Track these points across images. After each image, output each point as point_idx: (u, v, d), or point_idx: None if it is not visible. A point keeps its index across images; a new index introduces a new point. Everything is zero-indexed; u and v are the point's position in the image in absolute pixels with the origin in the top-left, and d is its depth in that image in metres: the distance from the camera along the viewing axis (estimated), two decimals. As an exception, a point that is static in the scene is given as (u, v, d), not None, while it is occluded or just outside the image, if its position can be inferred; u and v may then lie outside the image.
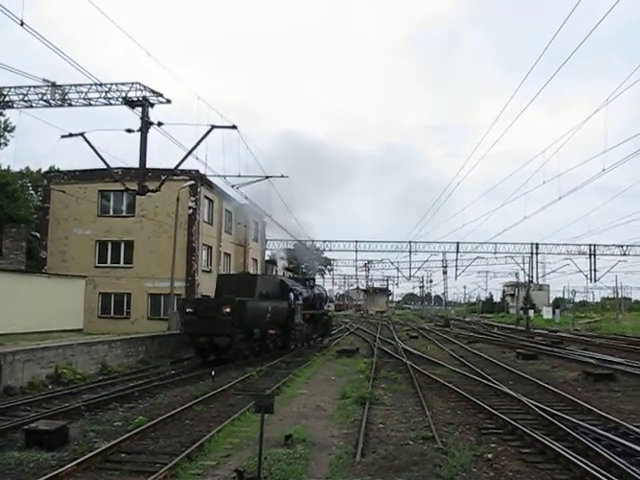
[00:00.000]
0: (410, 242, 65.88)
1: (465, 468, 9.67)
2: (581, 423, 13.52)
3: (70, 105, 24.42)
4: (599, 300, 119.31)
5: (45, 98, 24.46)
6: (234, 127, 22.34)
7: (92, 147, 21.77)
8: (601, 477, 9.43)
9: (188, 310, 26.74)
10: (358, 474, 9.10)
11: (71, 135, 21.68)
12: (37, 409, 15.55)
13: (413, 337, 47.81)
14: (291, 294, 33.95)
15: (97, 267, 38.05)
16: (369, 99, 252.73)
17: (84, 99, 24.13)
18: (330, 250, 68.34)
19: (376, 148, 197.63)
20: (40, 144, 77.20)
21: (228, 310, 25.70)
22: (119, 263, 38.45)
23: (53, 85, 24.26)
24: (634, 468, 9.89)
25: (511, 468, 10.61)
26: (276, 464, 10.06)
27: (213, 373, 22.09)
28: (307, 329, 36.56)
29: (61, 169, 43.89)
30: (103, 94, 23.69)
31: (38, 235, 42.07)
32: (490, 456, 11.38)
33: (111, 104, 23.66)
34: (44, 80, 24.10)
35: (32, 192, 55.30)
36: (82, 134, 21.63)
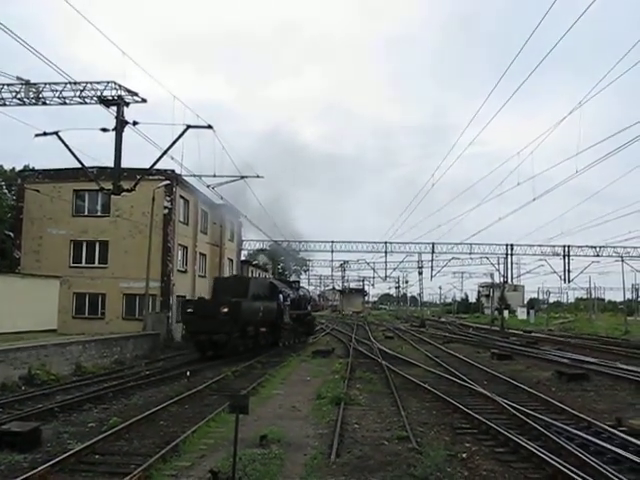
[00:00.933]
0: (386, 243, 66.16)
1: (439, 468, 9.72)
2: (554, 422, 13.66)
3: (44, 103, 24.13)
4: (573, 301, 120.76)
5: (19, 96, 24.12)
6: (209, 127, 22.21)
7: (67, 146, 21.54)
8: (574, 476, 9.55)
9: (189, 310, 29.48)
10: (333, 474, 9.11)
11: (45, 134, 21.41)
12: (9, 410, 15.35)
13: (389, 337, 47.99)
14: (280, 295, 36.22)
15: (72, 267, 37.64)
16: (355, 98, 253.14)
17: (58, 97, 23.85)
18: (306, 250, 68.29)
19: (356, 149, 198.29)
20: (14, 143, 76.37)
21: (226, 310, 28.08)
22: (94, 263, 38.08)
23: (27, 83, 23.95)
24: (606, 466, 10.03)
25: (485, 467, 10.69)
26: (251, 464, 10.04)
27: (188, 374, 22.05)
28: (294, 328, 39.01)
29: (35, 168, 43.42)
30: (78, 93, 23.43)
31: (12, 235, 41.55)
32: (464, 455, 11.46)
33: (86, 103, 23.40)
34: (18, 78, 23.78)
35: (6, 191, 54.58)
36: (56, 133, 21.37)
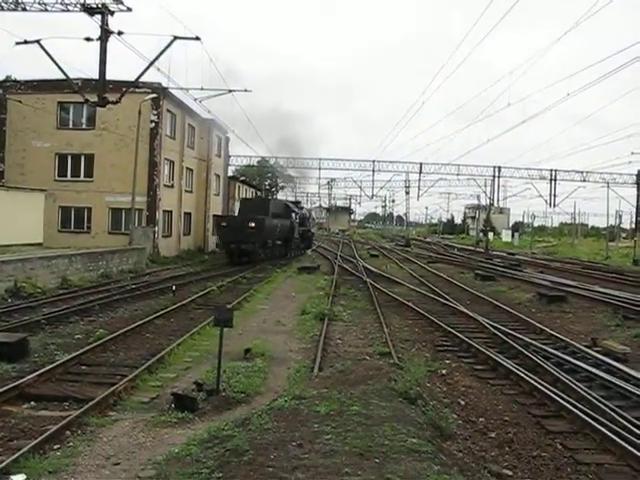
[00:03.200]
0: (374, 161, 65.59)
1: (419, 383, 9.96)
2: (533, 342, 14.00)
3: (24, 10, 23.18)
4: (557, 225, 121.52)
5: (-3, 0, 23.23)
6: (197, 38, 21.65)
7: (49, 55, 20.94)
8: (546, 391, 9.87)
9: (223, 224, 37.00)
10: (315, 387, 9.31)
11: (26, 42, 20.77)
12: (-3, 322, 15.50)
13: (374, 256, 48.38)
14: (293, 214, 44.20)
15: (57, 181, 37.19)
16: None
17: (39, 4, 22.89)
18: (294, 167, 67.70)
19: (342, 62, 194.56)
20: (-8, 51, 73.84)
21: (252, 225, 34.88)
22: (79, 177, 37.63)
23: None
24: (578, 383, 10.37)
25: (464, 383, 11.01)
26: (235, 377, 10.25)
27: (174, 288, 22.23)
28: (299, 242, 47.23)
29: (17, 79, 42.26)
30: (60, -1, 22.60)
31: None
32: (444, 372, 11.78)
33: (69, 10, 22.52)
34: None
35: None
36: (38, 41, 20.75)
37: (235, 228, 35.16)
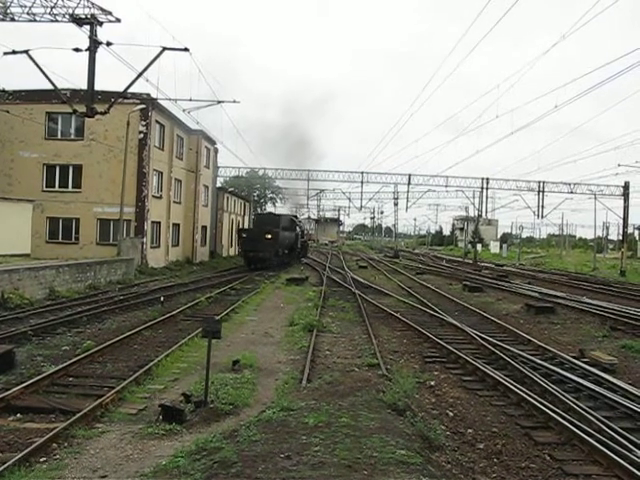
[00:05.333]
0: (362, 172, 65.56)
1: (408, 394, 9.96)
2: (521, 353, 14.05)
3: (13, 20, 23.16)
4: (545, 236, 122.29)
5: (-15, 11, 23.17)
6: (186, 50, 21.65)
7: (37, 66, 20.88)
8: (535, 402, 9.90)
9: (244, 235, 43.99)
10: (303, 398, 9.30)
11: (15, 52, 20.70)
12: (-18, 333, 15.37)
13: (362, 267, 48.50)
14: (297, 227, 51.18)
15: (45, 191, 37.03)
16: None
17: (28, 14, 22.87)
18: (282, 178, 67.63)
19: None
20: (-18, 61, 73.78)
21: (269, 236, 41.24)
22: (67, 187, 37.49)
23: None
24: (566, 394, 10.40)
25: (452, 395, 11.02)
26: (223, 388, 10.22)
27: (162, 299, 22.15)
28: (300, 251, 53.86)
29: (5, 89, 42.10)
30: (48, 9, 22.52)
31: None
32: (433, 383, 11.79)
33: (57, 21, 22.49)
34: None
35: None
36: (27, 51, 20.70)
37: (254, 239, 41.38)
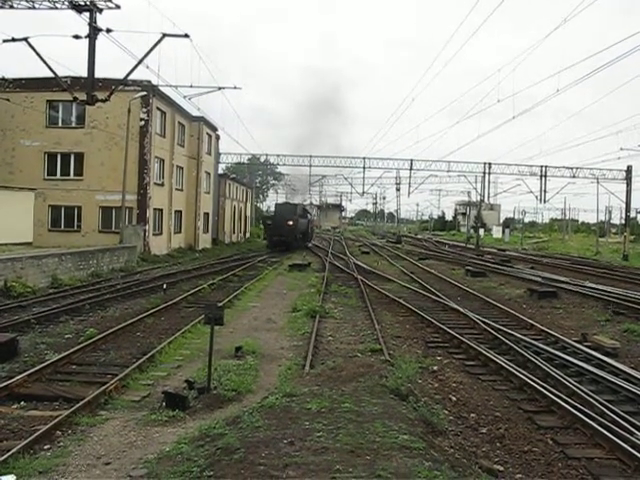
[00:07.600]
0: (364, 158, 65.39)
1: (411, 379, 9.97)
2: (524, 338, 14.05)
3: (12, 7, 23.02)
4: (548, 221, 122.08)
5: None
6: (186, 36, 21.56)
7: (37, 53, 20.80)
8: (537, 386, 9.90)
9: (268, 222, 52.36)
10: (306, 384, 9.31)
11: (14, 40, 20.60)
12: (-15, 321, 15.41)
13: (365, 253, 48.51)
14: (308, 215, 59.37)
15: (46, 179, 37.01)
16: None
17: (27, 1, 22.76)
18: (284, 164, 67.51)
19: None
20: (-20, 49, 73.32)
21: (290, 223, 48.35)
22: (69, 175, 37.45)
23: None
24: (568, 378, 10.41)
25: (455, 379, 11.03)
26: (226, 375, 10.22)
27: (165, 286, 22.18)
28: (309, 235, 60.60)
29: (5, 77, 41.96)
30: (48, -4, 22.42)
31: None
32: (435, 368, 11.80)
33: (57, 8, 22.35)
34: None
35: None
36: (26, 39, 20.59)
37: (277, 225, 48.78)
